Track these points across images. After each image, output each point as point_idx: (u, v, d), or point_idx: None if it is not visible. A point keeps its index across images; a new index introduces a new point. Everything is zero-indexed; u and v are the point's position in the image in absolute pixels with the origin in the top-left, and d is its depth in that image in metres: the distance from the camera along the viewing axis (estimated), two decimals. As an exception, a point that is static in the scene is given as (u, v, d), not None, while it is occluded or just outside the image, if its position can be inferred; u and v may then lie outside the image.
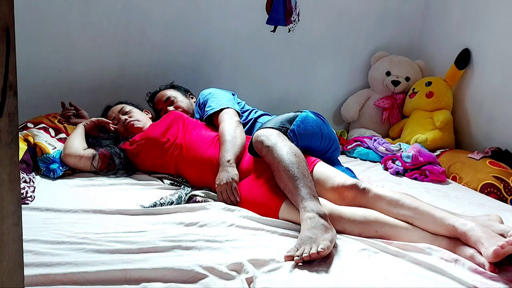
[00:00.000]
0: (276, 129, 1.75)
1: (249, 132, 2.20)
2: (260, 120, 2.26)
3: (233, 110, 2.12)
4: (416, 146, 2.47)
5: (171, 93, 2.40)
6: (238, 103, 2.32)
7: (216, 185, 1.77)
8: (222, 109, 2.12)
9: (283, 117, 1.89)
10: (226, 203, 1.71)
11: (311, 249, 1.28)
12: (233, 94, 2.35)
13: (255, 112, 2.33)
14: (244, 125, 2.21)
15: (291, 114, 1.92)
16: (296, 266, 1.27)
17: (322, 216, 1.42)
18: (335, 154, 2.04)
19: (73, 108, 2.37)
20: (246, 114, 2.31)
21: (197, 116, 2.33)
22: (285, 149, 1.63)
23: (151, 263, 1.22)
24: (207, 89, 2.31)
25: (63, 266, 1.16)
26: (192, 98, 2.48)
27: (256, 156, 1.79)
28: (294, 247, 1.32)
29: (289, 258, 1.29)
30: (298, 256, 1.27)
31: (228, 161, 1.81)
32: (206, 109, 2.18)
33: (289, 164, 1.57)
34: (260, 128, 1.78)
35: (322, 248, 1.29)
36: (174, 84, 2.50)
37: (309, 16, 2.87)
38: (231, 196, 1.72)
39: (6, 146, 0.70)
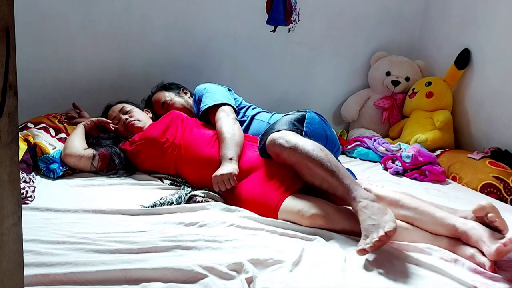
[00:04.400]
0: (290, 130, 1.75)
1: (247, 130, 2.19)
2: (258, 117, 2.23)
3: (229, 107, 2.11)
4: (416, 146, 2.47)
5: (165, 96, 2.39)
6: (235, 99, 2.29)
7: (213, 176, 1.75)
8: (216, 105, 2.10)
9: (290, 117, 1.88)
10: (220, 190, 1.73)
11: (378, 233, 1.31)
12: (229, 90, 2.32)
13: (253, 109, 2.31)
14: (242, 123, 2.19)
15: (297, 114, 1.92)
16: (297, 265, 1.27)
17: (374, 200, 1.44)
18: (336, 155, 2.04)
19: (77, 109, 2.39)
20: (243, 110, 2.28)
21: (196, 111, 2.31)
22: (308, 146, 1.63)
23: (151, 263, 1.22)
24: (201, 84, 2.29)
25: (63, 266, 1.16)
26: (186, 93, 2.47)
27: (266, 157, 1.79)
28: (362, 239, 1.34)
29: (362, 251, 1.30)
30: (368, 244, 1.29)
31: (231, 158, 1.80)
32: (201, 105, 2.16)
33: (319, 159, 1.58)
34: (272, 131, 1.76)
35: (388, 229, 1.30)
36: (165, 84, 2.48)
37: (309, 16, 2.87)
38: (227, 184, 1.72)
39: (6, 146, 0.70)
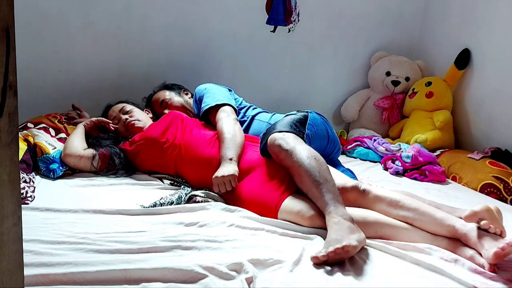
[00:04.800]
0: (292, 132, 1.74)
1: (247, 130, 2.19)
2: (258, 117, 2.22)
3: (230, 107, 2.10)
4: (416, 146, 2.47)
5: (165, 95, 2.39)
6: (235, 99, 2.29)
7: (214, 177, 1.74)
8: (217, 105, 2.10)
9: (292, 118, 1.88)
10: (220, 191, 1.73)
11: (335, 246, 1.27)
12: (229, 90, 2.32)
13: (253, 109, 2.31)
14: (242, 123, 2.19)
15: (299, 115, 1.92)
16: (297, 265, 1.26)
17: (348, 219, 1.41)
18: (336, 155, 2.05)
19: (77, 110, 2.40)
20: (243, 111, 2.28)
21: (196, 111, 2.31)
22: (304, 153, 1.62)
23: (151, 263, 1.22)
24: (202, 85, 2.28)
25: (63, 266, 1.16)
26: (187, 94, 2.47)
27: (268, 156, 1.78)
28: (321, 250, 1.31)
29: (315, 259, 1.28)
30: (322, 252, 1.27)
31: (231, 159, 1.80)
32: (202, 105, 2.16)
33: (310, 168, 1.56)
34: (274, 131, 1.76)
35: (346, 243, 1.27)
36: (167, 84, 2.48)
37: (309, 16, 2.87)
38: (228, 186, 1.72)
39: (6, 146, 0.70)
